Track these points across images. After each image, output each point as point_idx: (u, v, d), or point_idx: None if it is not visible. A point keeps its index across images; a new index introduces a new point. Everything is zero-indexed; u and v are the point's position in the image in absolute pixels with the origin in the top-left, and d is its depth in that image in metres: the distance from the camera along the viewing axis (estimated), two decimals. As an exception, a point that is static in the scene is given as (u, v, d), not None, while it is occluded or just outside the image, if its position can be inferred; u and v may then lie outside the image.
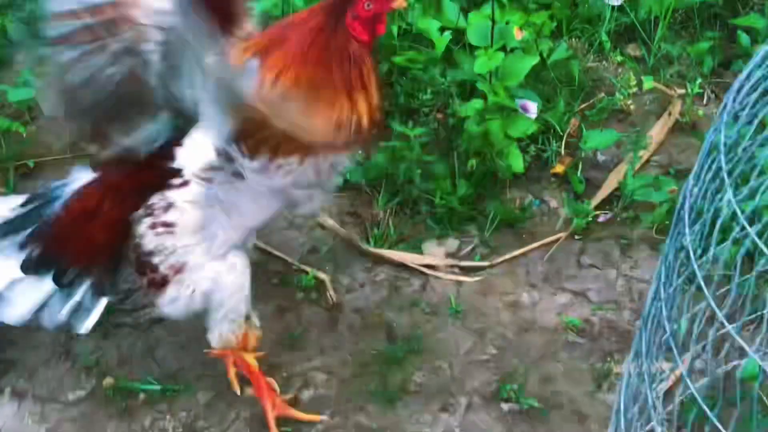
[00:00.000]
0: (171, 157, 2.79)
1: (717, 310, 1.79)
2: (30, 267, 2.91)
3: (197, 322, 3.13)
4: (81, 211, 2.89)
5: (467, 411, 3.25)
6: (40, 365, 3.46)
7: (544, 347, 3.47)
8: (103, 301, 2.95)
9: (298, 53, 2.64)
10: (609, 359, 3.41)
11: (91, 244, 2.91)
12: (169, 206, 2.77)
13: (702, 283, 1.93)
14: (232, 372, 3.26)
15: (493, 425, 3.20)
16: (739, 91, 2.27)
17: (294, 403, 3.25)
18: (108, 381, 3.41)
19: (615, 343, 3.48)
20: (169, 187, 2.78)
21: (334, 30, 2.64)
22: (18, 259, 2.90)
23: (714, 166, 2.10)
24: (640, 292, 3.58)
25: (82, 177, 2.96)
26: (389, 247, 3.83)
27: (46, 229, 2.91)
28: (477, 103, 3.89)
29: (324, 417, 3.21)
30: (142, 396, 3.33)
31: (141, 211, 2.80)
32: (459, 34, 4.27)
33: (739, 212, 1.84)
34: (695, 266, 1.98)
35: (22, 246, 2.91)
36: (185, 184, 2.75)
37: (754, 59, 2.31)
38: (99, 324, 3.41)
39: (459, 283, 3.73)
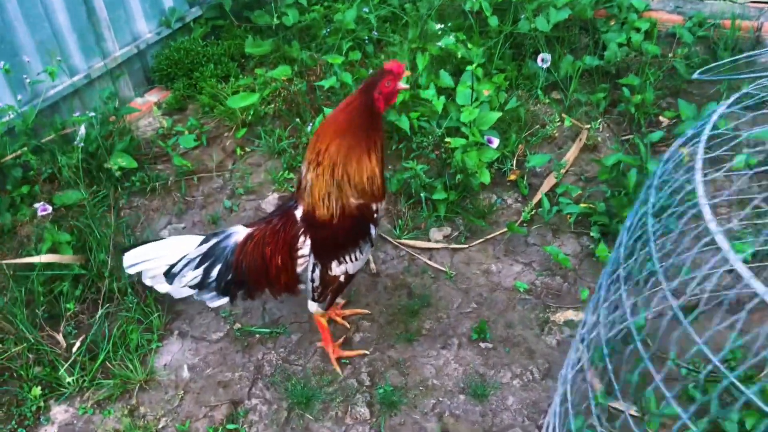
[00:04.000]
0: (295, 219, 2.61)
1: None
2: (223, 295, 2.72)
3: None
4: (257, 259, 2.61)
5: (459, 348, 2.99)
6: (196, 315, 3.25)
7: (506, 302, 3.18)
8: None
9: (343, 127, 2.41)
10: (548, 311, 3.13)
11: (264, 279, 2.66)
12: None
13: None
14: (333, 361, 2.99)
15: (476, 358, 2.94)
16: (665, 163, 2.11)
17: (345, 342, 3.04)
18: (237, 326, 3.22)
19: (552, 299, 3.18)
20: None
21: (367, 106, 2.41)
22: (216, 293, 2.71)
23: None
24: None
25: (237, 231, 2.69)
26: (407, 234, 3.56)
27: (235, 276, 2.63)
28: (461, 141, 3.58)
29: (367, 352, 3.00)
30: (257, 336, 3.13)
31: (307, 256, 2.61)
32: (448, 94, 4.01)
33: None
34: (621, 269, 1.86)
35: (220, 287, 2.66)
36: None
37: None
38: None
39: (451, 257, 3.46)
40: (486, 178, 3.57)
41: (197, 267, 2.62)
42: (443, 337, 3.06)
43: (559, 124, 4.10)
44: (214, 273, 2.63)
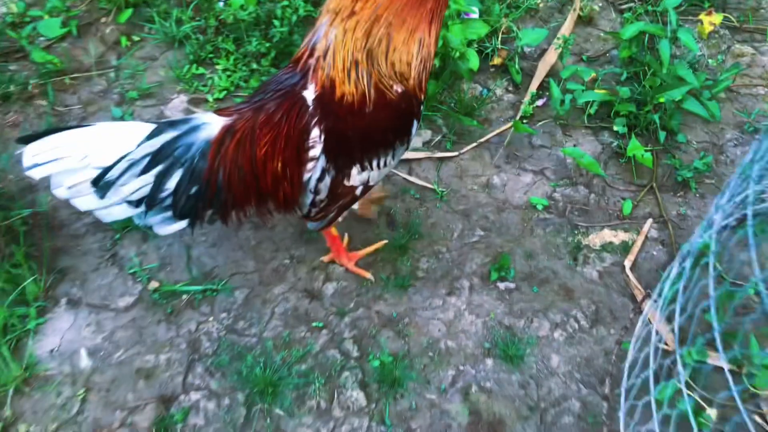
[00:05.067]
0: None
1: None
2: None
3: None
4: (243, 165, 1.76)
5: (471, 293, 2.20)
6: (90, 272, 2.27)
7: (521, 225, 2.39)
8: None
9: None
10: (577, 233, 2.37)
11: (253, 193, 1.82)
12: None
13: None
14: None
15: (495, 304, 2.17)
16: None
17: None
18: (153, 284, 2.27)
19: (578, 216, 2.41)
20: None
21: None
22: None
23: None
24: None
25: (207, 122, 1.76)
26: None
27: (205, 189, 1.74)
28: None
29: (386, 241, 2.29)
30: (184, 297, 2.21)
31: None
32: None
33: None
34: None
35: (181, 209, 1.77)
36: None
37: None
38: (137, 228, 2.45)
39: (437, 169, 2.55)
40: (475, 62, 2.71)
41: (144, 172, 1.69)
42: (447, 279, 2.26)
43: (544, -9, 3.29)
44: (171, 183, 1.72)
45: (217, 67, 3.01)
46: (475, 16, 2.80)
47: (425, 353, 2.08)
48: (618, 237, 2.36)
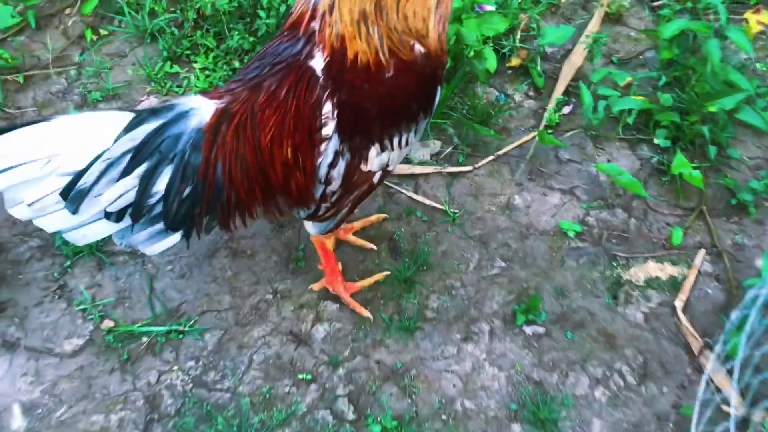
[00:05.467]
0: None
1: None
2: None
3: (194, 245, 1.77)
4: (245, 156, 1.44)
5: (491, 339, 1.81)
6: (33, 307, 1.88)
7: (549, 255, 2.01)
8: None
9: None
10: (616, 264, 1.99)
11: (259, 188, 1.50)
12: None
13: None
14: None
15: (521, 354, 1.78)
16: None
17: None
18: (107, 324, 1.87)
19: (616, 245, 2.03)
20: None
21: None
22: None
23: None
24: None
25: (195, 107, 1.43)
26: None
27: (202, 188, 1.42)
28: (455, 2, 2.22)
29: (388, 273, 1.92)
30: (144, 340, 1.82)
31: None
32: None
33: None
34: None
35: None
36: None
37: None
38: (92, 253, 2.05)
39: (448, 186, 2.17)
40: (493, 62, 2.35)
41: (125, 174, 1.35)
42: (462, 321, 1.87)
43: (565, -17, 2.93)
44: (160, 185, 1.39)
45: (195, 65, 2.63)
46: (492, 8, 2.47)
47: (437, 416, 1.70)
48: (665, 271, 1.99)
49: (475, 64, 2.29)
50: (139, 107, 2.49)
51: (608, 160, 2.28)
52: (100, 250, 2.04)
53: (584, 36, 2.63)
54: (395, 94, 1.48)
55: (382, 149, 1.53)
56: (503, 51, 2.61)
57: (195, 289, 1.95)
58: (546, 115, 2.40)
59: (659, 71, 2.51)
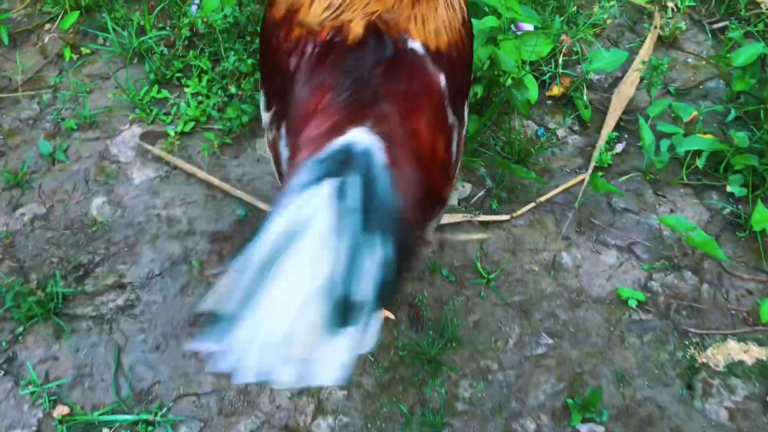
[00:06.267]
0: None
1: None
2: None
3: (172, 310, 1.45)
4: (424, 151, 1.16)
5: (538, 440, 1.53)
6: (-30, 385, 1.67)
7: (605, 329, 1.64)
8: None
9: None
10: (688, 343, 1.62)
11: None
12: None
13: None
14: None
15: (577, 462, 1.48)
16: None
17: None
18: (60, 411, 1.52)
19: (687, 318, 1.66)
20: None
21: None
22: None
23: None
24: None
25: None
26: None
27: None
28: (491, 21, 1.89)
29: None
30: (105, 432, 1.64)
31: None
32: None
33: None
34: None
35: None
36: None
37: None
38: (49, 317, 1.72)
39: (481, 240, 1.90)
40: (535, 92, 2.02)
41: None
42: (501, 415, 1.50)
43: (612, 3, 2.61)
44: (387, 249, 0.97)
45: (186, 89, 2.32)
46: (531, 28, 2.15)
47: None
48: (750, 352, 1.62)
49: (515, 94, 1.96)
50: (118, 138, 2.18)
51: (672, 211, 1.91)
52: (58, 313, 1.72)
53: (638, 62, 2.31)
54: (466, 52, 1.36)
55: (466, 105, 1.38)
56: (543, 78, 2.30)
57: (171, 365, 1.61)
58: (596, 154, 2.03)
59: (727, 104, 2.18)
